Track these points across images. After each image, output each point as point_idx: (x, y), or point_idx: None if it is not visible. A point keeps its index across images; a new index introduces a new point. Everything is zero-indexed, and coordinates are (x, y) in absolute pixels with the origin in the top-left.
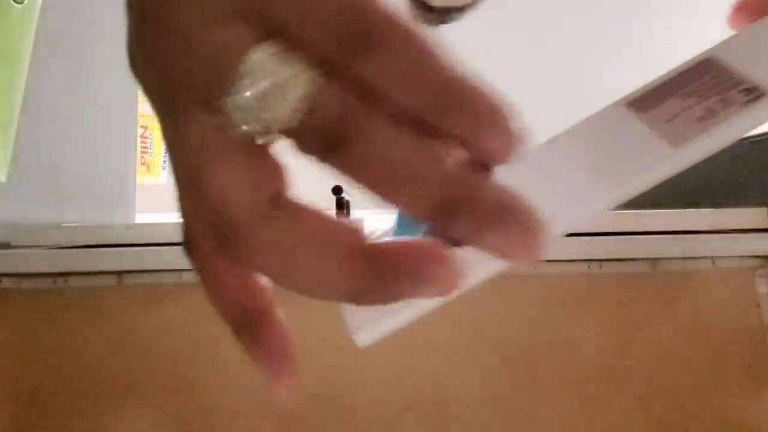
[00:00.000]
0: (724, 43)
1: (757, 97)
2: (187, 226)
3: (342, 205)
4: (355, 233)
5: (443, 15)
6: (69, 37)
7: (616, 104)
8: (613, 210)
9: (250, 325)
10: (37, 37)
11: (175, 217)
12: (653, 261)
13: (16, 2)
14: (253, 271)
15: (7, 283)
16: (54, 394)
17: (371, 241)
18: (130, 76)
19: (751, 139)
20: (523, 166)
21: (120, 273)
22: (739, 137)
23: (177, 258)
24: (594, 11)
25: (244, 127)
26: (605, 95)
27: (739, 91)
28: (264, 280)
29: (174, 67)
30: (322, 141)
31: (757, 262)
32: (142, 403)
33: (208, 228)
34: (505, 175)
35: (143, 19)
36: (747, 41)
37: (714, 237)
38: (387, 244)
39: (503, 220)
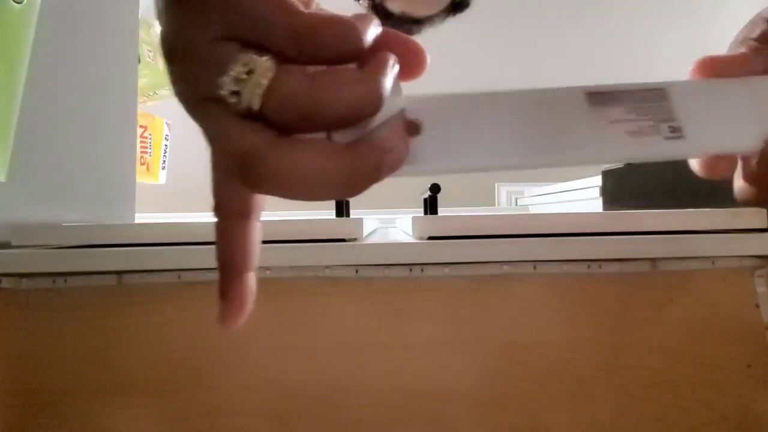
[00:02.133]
0: (681, 83)
1: (677, 138)
2: (216, 179)
3: (341, 205)
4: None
5: (400, 25)
6: (69, 37)
7: (577, 89)
8: (613, 210)
9: (228, 276)
10: (37, 37)
11: (174, 217)
12: (653, 261)
13: (16, 2)
14: (266, 191)
15: (7, 283)
16: (54, 394)
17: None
18: (129, 76)
19: None
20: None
21: (120, 273)
22: (649, 160)
23: (177, 258)
24: (587, 12)
25: (232, 100)
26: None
27: (668, 126)
28: (254, 246)
29: (190, 75)
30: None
31: (756, 262)
32: (142, 403)
33: (233, 167)
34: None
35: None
36: (696, 91)
37: (714, 237)
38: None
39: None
